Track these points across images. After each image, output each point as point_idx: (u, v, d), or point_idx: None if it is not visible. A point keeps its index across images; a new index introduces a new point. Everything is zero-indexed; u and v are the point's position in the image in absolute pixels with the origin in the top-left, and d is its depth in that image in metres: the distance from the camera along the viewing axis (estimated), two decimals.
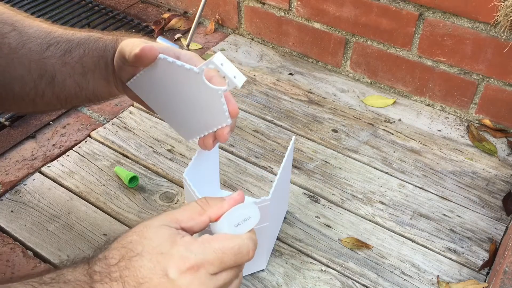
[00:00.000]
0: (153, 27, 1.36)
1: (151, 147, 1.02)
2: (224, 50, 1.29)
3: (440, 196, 0.94)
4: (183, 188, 0.94)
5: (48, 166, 0.97)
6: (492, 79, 1.05)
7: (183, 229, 0.53)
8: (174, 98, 0.66)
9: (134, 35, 0.69)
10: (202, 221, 0.54)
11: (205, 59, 0.60)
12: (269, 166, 0.99)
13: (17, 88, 0.68)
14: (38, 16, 1.38)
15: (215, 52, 1.28)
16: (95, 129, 1.06)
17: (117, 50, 0.65)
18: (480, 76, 1.06)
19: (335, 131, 1.07)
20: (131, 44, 0.62)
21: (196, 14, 1.22)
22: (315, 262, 0.83)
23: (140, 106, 1.11)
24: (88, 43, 0.68)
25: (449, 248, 0.85)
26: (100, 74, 0.69)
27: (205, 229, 0.55)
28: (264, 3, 1.25)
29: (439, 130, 1.08)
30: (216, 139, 0.67)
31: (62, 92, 0.69)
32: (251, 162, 0.99)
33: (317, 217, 0.90)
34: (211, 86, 0.60)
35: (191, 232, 0.54)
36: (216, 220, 0.54)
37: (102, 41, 0.68)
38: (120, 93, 0.73)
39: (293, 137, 0.80)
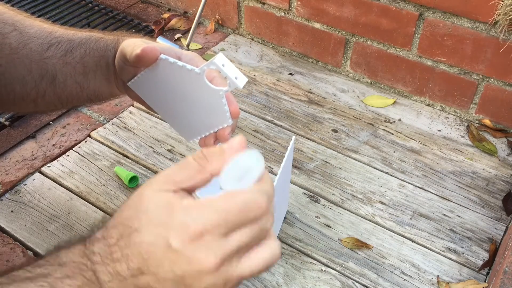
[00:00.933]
0: (153, 27, 1.36)
1: (151, 147, 1.02)
2: (224, 50, 1.29)
3: (440, 196, 0.94)
4: None
5: (48, 166, 0.97)
6: (492, 79, 1.05)
7: (184, 190, 0.47)
8: (175, 99, 0.66)
9: (135, 35, 0.69)
10: (203, 178, 0.47)
11: (206, 59, 0.60)
12: (269, 166, 0.99)
13: (18, 88, 0.68)
14: (38, 16, 1.38)
15: (215, 52, 1.28)
16: (95, 129, 1.06)
17: (118, 50, 0.65)
18: (480, 76, 1.06)
19: (335, 131, 1.07)
20: (133, 44, 0.62)
21: (196, 14, 1.22)
22: (315, 262, 0.83)
23: (140, 106, 1.11)
24: (89, 43, 0.68)
25: (449, 248, 0.85)
26: (101, 74, 0.69)
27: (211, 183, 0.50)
28: (264, 3, 1.25)
29: (439, 130, 1.08)
30: (217, 140, 0.67)
31: (63, 92, 0.69)
32: None
33: (317, 217, 0.90)
34: (212, 87, 0.60)
35: (193, 190, 0.48)
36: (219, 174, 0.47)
37: (103, 41, 0.68)
38: (121, 93, 0.73)
39: (293, 137, 0.80)
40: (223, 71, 0.57)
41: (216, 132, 0.65)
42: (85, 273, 0.46)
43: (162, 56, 0.61)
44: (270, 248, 0.45)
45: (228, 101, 0.61)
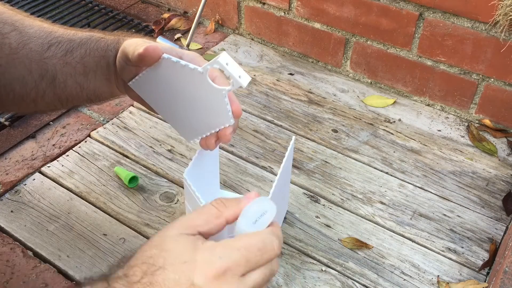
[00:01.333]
0: (153, 27, 1.36)
1: (151, 147, 1.02)
2: (224, 50, 1.29)
3: (440, 196, 0.94)
4: (183, 188, 0.94)
5: (48, 166, 0.97)
6: (492, 79, 1.05)
7: (201, 234, 0.50)
8: (177, 98, 0.66)
9: (136, 35, 0.69)
10: (219, 223, 0.51)
11: (206, 59, 0.60)
12: (269, 166, 0.99)
13: (18, 88, 0.68)
14: (38, 16, 1.38)
15: (215, 52, 1.28)
16: (95, 129, 1.06)
17: (119, 50, 0.65)
18: (480, 76, 1.06)
19: (335, 131, 1.07)
20: (134, 44, 0.61)
21: (196, 14, 1.22)
22: (315, 262, 0.83)
23: (140, 106, 1.11)
24: (90, 43, 0.68)
25: (449, 248, 0.85)
26: (101, 74, 0.69)
27: (221, 233, 0.54)
28: (264, 3, 1.25)
29: (439, 130, 1.08)
30: (219, 139, 0.67)
31: (63, 92, 0.69)
32: (251, 162, 0.99)
33: (317, 217, 0.90)
34: (215, 86, 0.59)
35: (208, 236, 0.51)
36: (233, 222, 0.52)
37: (103, 41, 0.68)
38: (122, 93, 0.72)
39: (293, 137, 0.80)
40: (227, 70, 0.56)
41: (217, 132, 0.65)
42: None
43: (165, 55, 0.60)
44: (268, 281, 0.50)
45: (230, 101, 0.61)
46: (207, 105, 0.63)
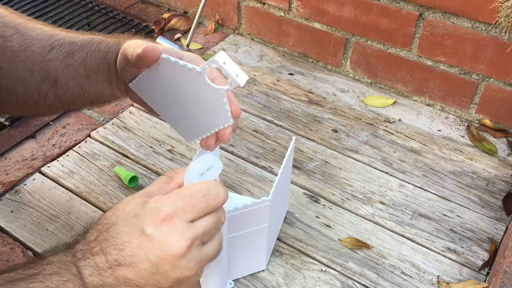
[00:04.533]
0: (153, 27, 1.36)
1: (151, 147, 1.02)
2: (224, 50, 1.29)
3: (440, 196, 0.94)
4: None
5: (48, 166, 0.97)
6: (492, 79, 1.05)
7: None
8: (176, 99, 0.66)
9: (136, 37, 0.69)
10: (171, 188, 0.54)
11: (206, 59, 0.60)
12: (269, 166, 0.99)
13: (20, 90, 0.68)
14: (38, 17, 1.38)
15: (215, 52, 1.27)
16: (95, 129, 1.06)
17: (119, 51, 0.65)
18: (480, 76, 1.06)
19: (335, 131, 1.07)
20: (134, 45, 0.62)
21: (196, 14, 1.22)
22: (315, 262, 0.83)
23: (140, 106, 1.11)
24: (91, 45, 0.68)
25: (449, 248, 0.85)
26: (103, 76, 0.69)
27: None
28: (264, 3, 1.25)
29: (439, 130, 1.08)
30: (219, 140, 0.67)
31: (65, 94, 0.70)
32: (251, 162, 0.99)
33: (317, 217, 0.90)
34: (213, 85, 0.59)
35: None
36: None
37: (104, 43, 0.68)
38: (123, 96, 0.73)
39: (294, 138, 0.80)
40: (224, 68, 0.57)
41: (217, 132, 0.65)
42: (70, 269, 0.49)
43: (163, 55, 0.60)
44: (220, 237, 0.54)
45: (229, 101, 0.61)
46: (206, 105, 0.63)
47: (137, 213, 0.50)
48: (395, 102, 1.15)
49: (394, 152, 1.03)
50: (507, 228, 0.89)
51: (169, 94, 0.66)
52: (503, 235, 0.88)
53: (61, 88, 0.69)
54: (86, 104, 0.73)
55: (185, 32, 1.35)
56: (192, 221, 0.50)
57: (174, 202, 0.50)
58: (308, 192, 0.94)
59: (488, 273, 0.82)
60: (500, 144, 1.05)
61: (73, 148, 1.01)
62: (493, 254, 0.84)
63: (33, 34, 0.68)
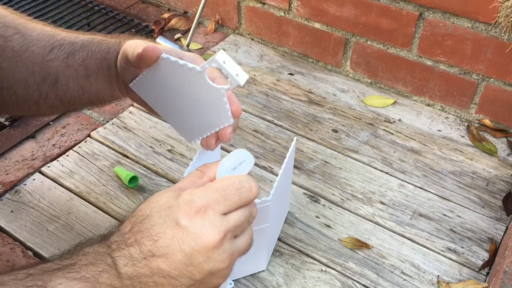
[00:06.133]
0: (153, 27, 1.36)
1: (151, 147, 1.02)
2: (224, 50, 1.29)
3: (440, 196, 0.94)
4: None
5: (48, 166, 0.97)
6: (492, 79, 1.05)
7: None
8: (177, 99, 0.66)
9: (137, 37, 0.69)
10: (203, 182, 0.54)
11: (206, 59, 0.60)
12: (269, 166, 0.99)
13: (20, 90, 0.68)
14: (38, 17, 1.38)
15: (215, 52, 1.27)
16: (95, 129, 1.06)
17: (120, 51, 0.65)
18: (480, 76, 1.06)
19: (335, 131, 1.07)
20: (134, 45, 0.62)
21: (196, 14, 1.22)
22: (315, 262, 0.83)
23: (141, 106, 1.11)
24: (91, 46, 0.68)
25: (449, 248, 0.85)
26: (103, 76, 0.69)
27: None
28: (264, 3, 1.25)
29: (439, 130, 1.08)
30: (219, 139, 0.67)
31: (65, 94, 0.70)
32: None
33: (317, 217, 0.90)
34: (213, 85, 0.59)
35: None
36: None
37: (105, 43, 0.68)
38: (123, 96, 0.73)
39: (295, 138, 0.80)
40: (224, 68, 0.57)
41: (217, 132, 0.65)
42: (106, 260, 0.50)
43: (164, 55, 0.60)
44: (251, 228, 0.54)
45: (229, 101, 0.61)
46: (207, 104, 0.63)
47: (171, 204, 0.51)
48: (395, 102, 1.15)
49: (394, 152, 1.03)
50: (507, 228, 0.89)
51: (169, 94, 0.66)
52: (503, 235, 0.88)
53: (61, 88, 0.69)
54: (87, 104, 0.74)
55: (185, 32, 1.35)
56: (225, 213, 0.51)
57: (208, 195, 0.50)
58: (308, 192, 0.94)
59: (488, 273, 0.82)
60: (500, 144, 1.05)
61: (73, 148, 1.01)
62: (493, 254, 0.84)
63: (33, 34, 0.68)
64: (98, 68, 0.68)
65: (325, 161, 1.00)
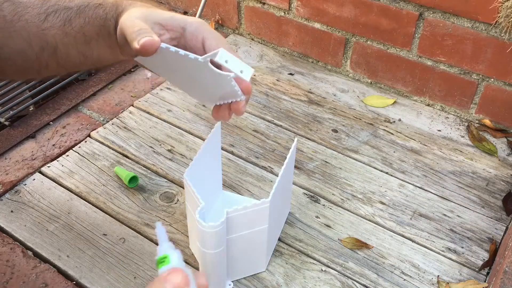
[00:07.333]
0: None
1: (151, 147, 1.02)
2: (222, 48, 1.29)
3: (440, 196, 0.94)
4: (183, 188, 0.94)
5: (48, 166, 0.97)
6: (492, 79, 1.05)
7: None
8: (185, 76, 0.65)
9: (135, 2, 0.65)
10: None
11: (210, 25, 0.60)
12: (269, 166, 0.99)
13: (19, 61, 0.66)
14: None
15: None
16: (95, 129, 1.06)
17: (118, 26, 0.62)
18: (480, 76, 1.06)
19: (335, 131, 1.07)
20: (131, 29, 0.59)
21: (196, 14, 1.21)
22: (315, 262, 0.83)
23: (141, 106, 1.11)
24: (88, 11, 0.65)
25: (449, 248, 0.85)
26: (103, 42, 0.66)
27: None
28: (264, 3, 1.25)
29: (439, 130, 1.08)
30: (232, 111, 0.66)
31: (66, 62, 0.67)
32: (251, 162, 0.99)
33: (317, 217, 0.90)
34: (219, 72, 0.58)
35: None
36: None
37: (102, 8, 0.65)
38: (126, 58, 0.70)
39: (296, 139, 0.79)
40: (227, 67, 0.56)
41: (230, 104, 0.65)
42: None
43: (163, 45, 0.59)
44: None
45: (238, 80, 0.60)
46: (215, 86, 0.62)
47: None
48: (395, 102, 1.15)
49: (394, 152, 1.03)
50: (507, 228, 0.89)
51: (176, 72, 0.65)
52: (503, 235, 0.87)
53: (61, 56, 0.66)
54: (90, 68, 0.71)
55: None
56: None
57: None
58: (308, 192, 0.94)
59: (488, 273, 0.82)
60: (500, 144, 1.05)
61: (73, 148, 1.01)
62: (493, 254, 0.84)
63: (24, 1, 0.65)
64: (98, 34, 0.65)
65: (325, 161, 1.00)
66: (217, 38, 0.62)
